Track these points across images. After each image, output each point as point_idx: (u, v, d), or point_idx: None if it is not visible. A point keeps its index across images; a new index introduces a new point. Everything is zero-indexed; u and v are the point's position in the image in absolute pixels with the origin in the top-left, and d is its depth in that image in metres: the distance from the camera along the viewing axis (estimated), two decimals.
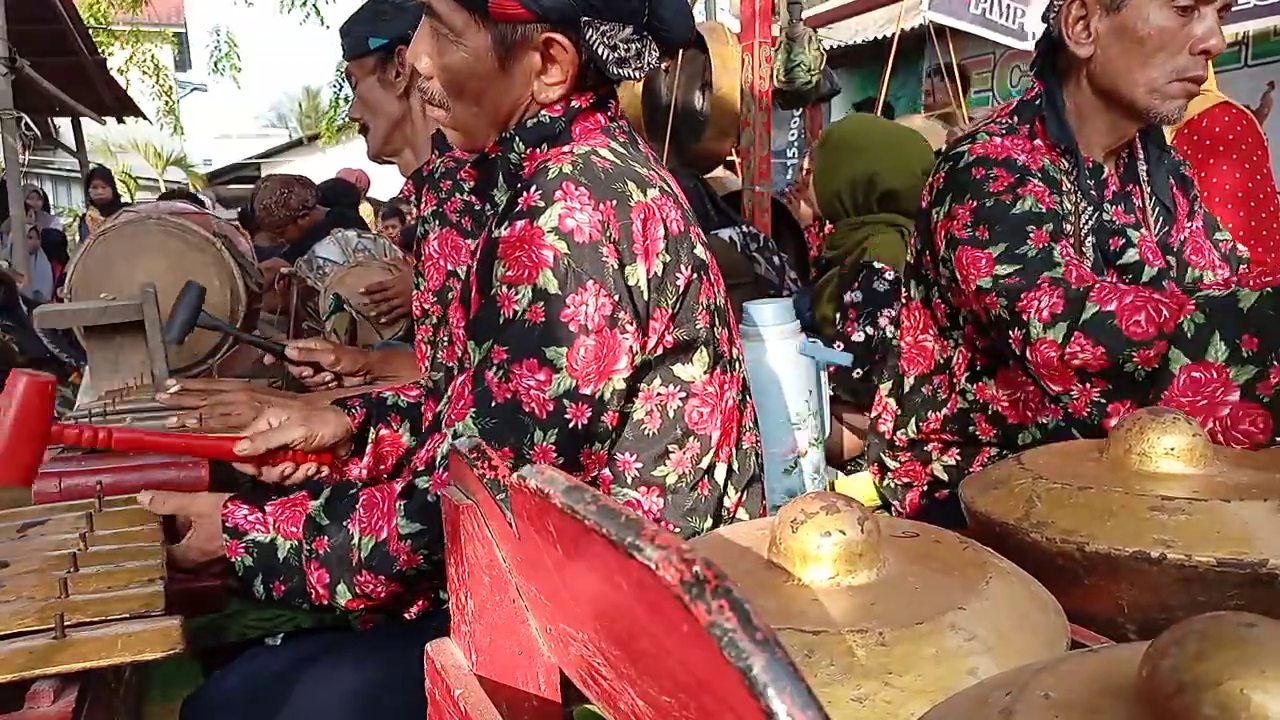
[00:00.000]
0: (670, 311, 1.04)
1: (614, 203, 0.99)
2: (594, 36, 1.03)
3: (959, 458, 1.52)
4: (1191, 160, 2.02)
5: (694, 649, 0.34)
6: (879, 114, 4.82)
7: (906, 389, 1.58)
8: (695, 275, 1.06)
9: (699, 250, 1.08)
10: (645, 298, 1.01)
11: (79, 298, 2.12)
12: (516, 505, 0.55)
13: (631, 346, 1.00)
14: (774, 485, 1.59)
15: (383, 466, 1.32)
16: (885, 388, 1.65)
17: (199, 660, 1.41)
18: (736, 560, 0.70)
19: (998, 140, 1.36)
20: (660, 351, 1.04)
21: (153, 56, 13.42)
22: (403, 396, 1.37)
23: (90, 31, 9.44)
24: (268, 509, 1.07)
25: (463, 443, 0.64)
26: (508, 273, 0.98)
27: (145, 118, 10.42)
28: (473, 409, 0.99)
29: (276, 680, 1.03)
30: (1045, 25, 1.42)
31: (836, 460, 2.00)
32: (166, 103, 14.06)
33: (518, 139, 1.10)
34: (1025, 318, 1.22)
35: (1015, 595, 0.65)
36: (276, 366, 1.91)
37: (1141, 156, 1.44)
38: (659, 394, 1.06)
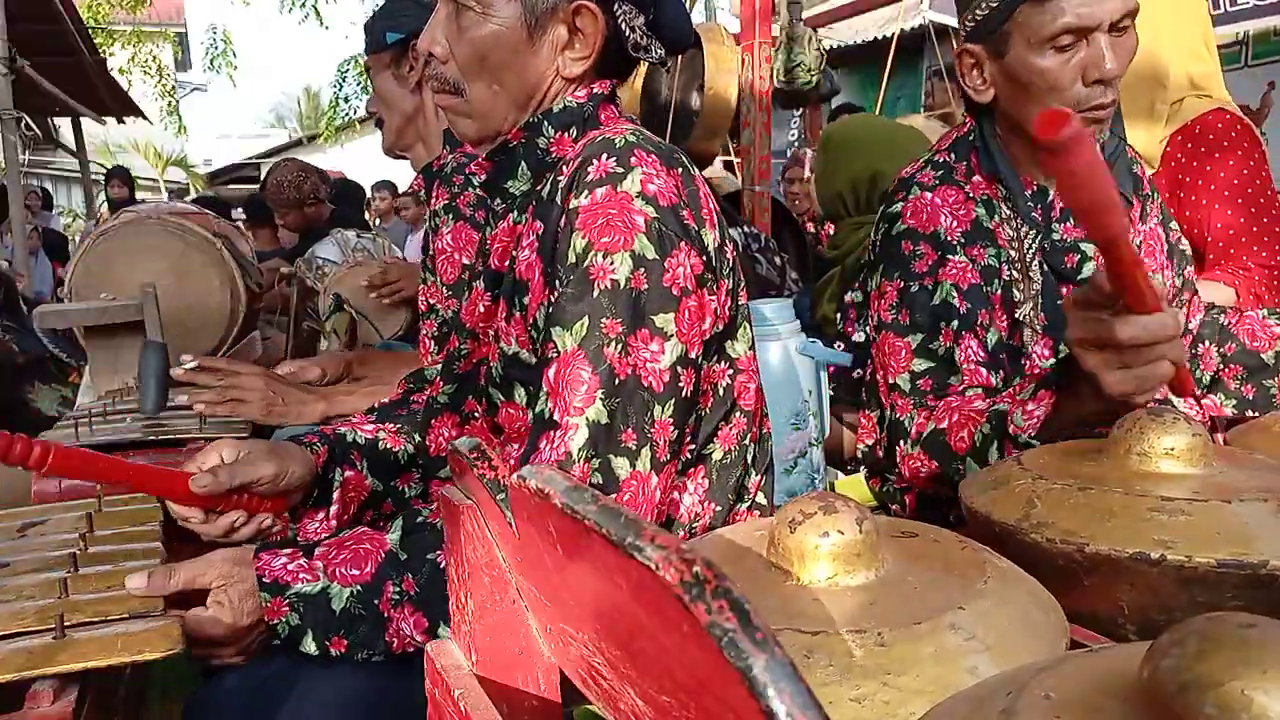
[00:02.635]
0: (729, 284, 1.05)
1: (680, 171, 1.00)
2: (619, 10, 1.05)
3: None
4: (1190, 159, 2.00)
5: (694, 649, 0.34)
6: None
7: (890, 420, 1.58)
8: (735, 253, 1.08)
9: (730, 233, 1.10)
10: (715, 263, 1.02)
11: (79, 298, 2.12)
12: (516, 505, 0.55)
13: (715, 309, 1.01)
14: (775, 485, 1.59)
15: (346, 515, 1.23)
16: (875, 415, 1.65)
17: (199, 660, 1.40)
18: (736, 560, 0.70)
19: (929, 197, 1.39)
20: (720, 326, 1.05)
21: (155, 57, 13.45)
22: (360, 432, 1.28)
23: (91, 32, 9.44)
24: (317, 551, 0.97)
25: (463, 442, 0.64)
26: (602, 240, 0.94)
27: (146, 118, 10.41)
28: (600, 390, 0.93)
29: (277, 680, 1.02)
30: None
31: (836, 460, 2.00)
32: (170, 103, 14.08)
33: (547, 123, 1.09)
34: (908, 431, 1.31)
35: (1015, 595, 0.65)
36: (279, 363, 1.91)
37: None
38: (714, 371, 1.06)
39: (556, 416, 0.95)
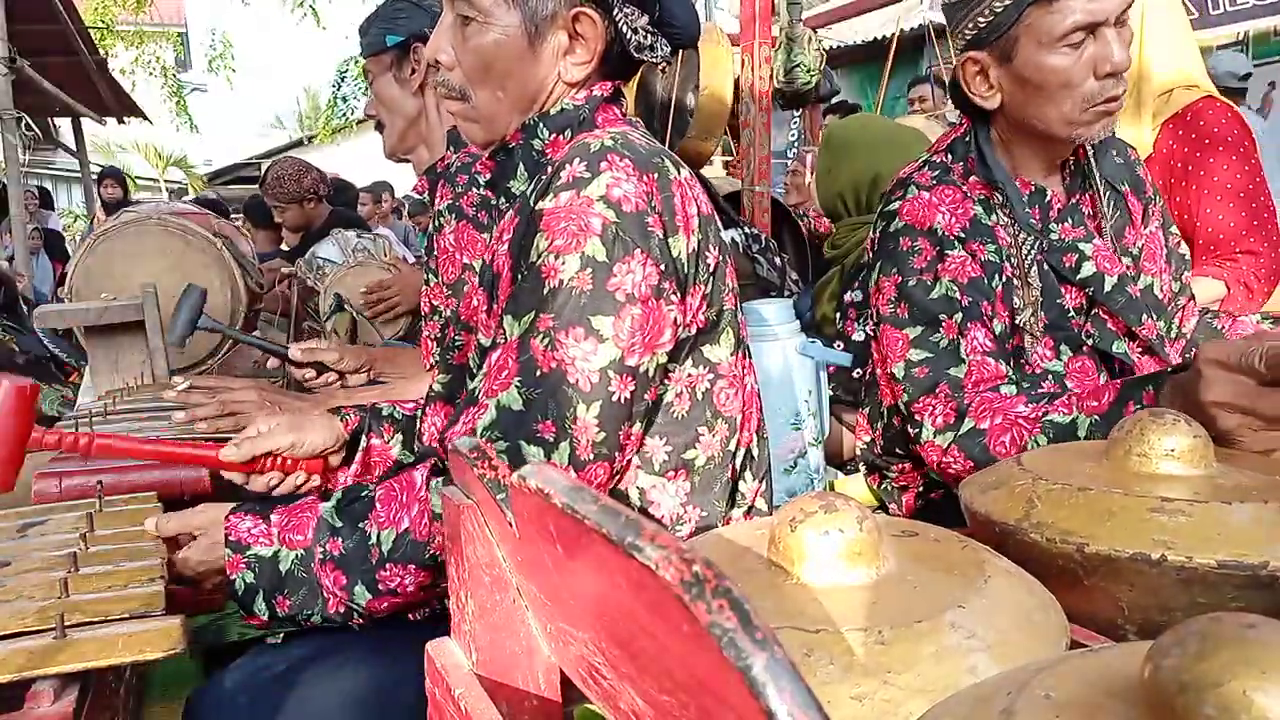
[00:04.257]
0: (704, 290, 1.04)
1: (655, 175, 1.00)
2: (619, 15, 1.05)
3: None
4: (1183, 145, 2.01)
5: (694, 649, 0.34)
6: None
7: (886, 419, 1.57)
8: (722, 257, 1.08)
9: (722, 234, 1.09)
10: (685, 271, 1.01)
11: (79, 298, 2.12)
12: (516, 505, 0.55)
13: (675, 319, 1.01)
14: (774, 485, 1.60)
15: (369, 477, 1.30)
16: (868, 411, 1.65)
17: (199, 660, 1.41)
18: (736, 560, 0.70)
19: (926, 196, 1.38)
20: (694, 330, 1.04)
21: (158, 57, 13.44)
22: (399, 409, 1.35)
23: (95, 32, 9.43)
24: (273, 518, 1.04)
25: (463, 442, 0.64)
26: (555, 242, 0.96)
27: (146, 118, 10.41)
28: (518, 378, 0.96)
29: (278, 680, 1.03)
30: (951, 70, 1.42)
31: (836, 460, 2.00)
32: (179, 103, 14.06)
33: (542, 126, 1.10)
34: (920, 419, 1.31)
35: (1015, 594, 0.65)
36: (278, 366, 1.90)
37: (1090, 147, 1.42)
38: (689, 375, 1.06)
39: (480, 395, 1.00)
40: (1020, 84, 1.31)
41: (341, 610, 1.01)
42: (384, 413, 1.33)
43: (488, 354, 1.03)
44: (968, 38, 1.33)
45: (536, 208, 0.99)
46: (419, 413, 1.34)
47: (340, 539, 1.01)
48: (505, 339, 0.99)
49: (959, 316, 1.31)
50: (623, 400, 0.97)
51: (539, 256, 0.97)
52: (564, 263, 0.95)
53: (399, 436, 1.32)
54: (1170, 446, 0.81)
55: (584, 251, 0.95)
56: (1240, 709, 0.35)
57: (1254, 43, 6.02)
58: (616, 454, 0.99)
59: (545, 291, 0.96)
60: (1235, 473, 0.81)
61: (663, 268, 0.98)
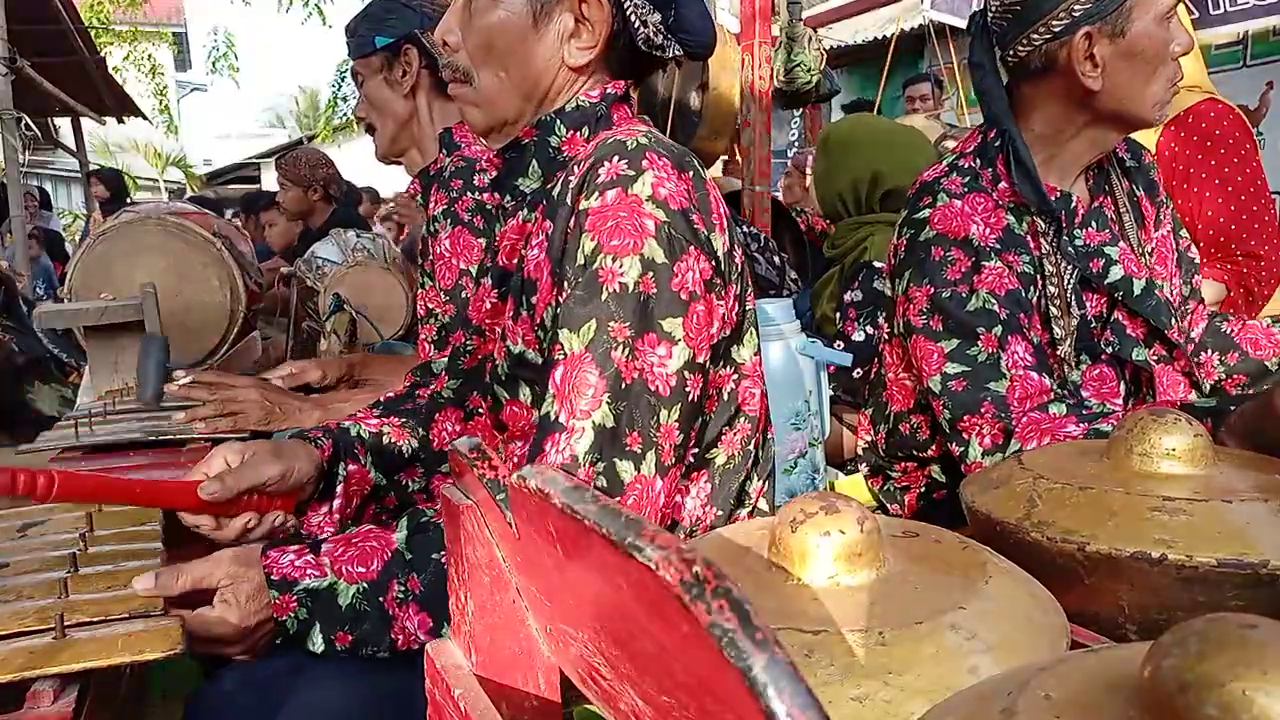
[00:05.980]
0: (736, 289, 1.04)
1: (690, 174, 1.00)
2: (629, 4, 1.04)
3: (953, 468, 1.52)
4: (1184, 148, 2.01)
5: (694, 649, 0.34)
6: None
7: (892, 424, 1.57)
8: (744, 258, 1.08)
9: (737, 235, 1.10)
10: (723, 268, 1.01)
11: (79, 298, 2.12)
12: (516, 505, 0.55)
13: (723, 314, 1.01)
14: (775, 485, 1.59)
15: (349, 509, 1.24)
16: (870, 413, 1.64)
17: (199, 660, 1.40)
18: (736, 560, 0.70)
19: (958, 205, 1.34)
20: (728, 331, 1.04)
21: (149, 56, 13.43)
22: (364, 426, 1.28)
23: (90, 31, 9.44)
24: (324, 548, 0.98)
25: (463, 442, 0.64)
26: (611, 244, 0.94)
27: (145, 118, 10.42)
28: (606, 394, 0.92)
29: (278, 680, 1.02)
30: (979, 69, 1.38)
31: (836, 460, 2.00)
32: (161, 102, 14.04)
33: (559, 122, 1.09)
34: (966, 438, 1.27)
35: (1015, 595, 0.64)
36: (280, 363, 1.91)
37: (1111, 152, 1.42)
38: (719, 376, 1.05)
39: (563, 419, 0.94)
40: (1128, 60, 1.28)
41: (414, 648, 0.95)
42: (353, 433, 1.26)
43: (543, 370, 1.00)
44: (1076, 14, 1.28)
45: (580, 207, 0.97)
46: (428, 413, 1.33)
47: (418, 574, 0.96)
48: (565, 353, 0.95)
49: (998, 329, 1.28)
50: (694, 399, 0.97)
51: (588, 259, 0.95)
52: (622, 266, 0.93)
53: (370, 457, 1.26)
54: (1171, 446, 0.81)
55: (643, 254, 0.93)
56: (1240, 709, 0.34)
57: (1254, 42, 6.02)
58: (687, 452, 0.99)
59: (605, 296, 0.93)
60: (1236, 472, 0.81)
61: (714, 263, 0.98)
